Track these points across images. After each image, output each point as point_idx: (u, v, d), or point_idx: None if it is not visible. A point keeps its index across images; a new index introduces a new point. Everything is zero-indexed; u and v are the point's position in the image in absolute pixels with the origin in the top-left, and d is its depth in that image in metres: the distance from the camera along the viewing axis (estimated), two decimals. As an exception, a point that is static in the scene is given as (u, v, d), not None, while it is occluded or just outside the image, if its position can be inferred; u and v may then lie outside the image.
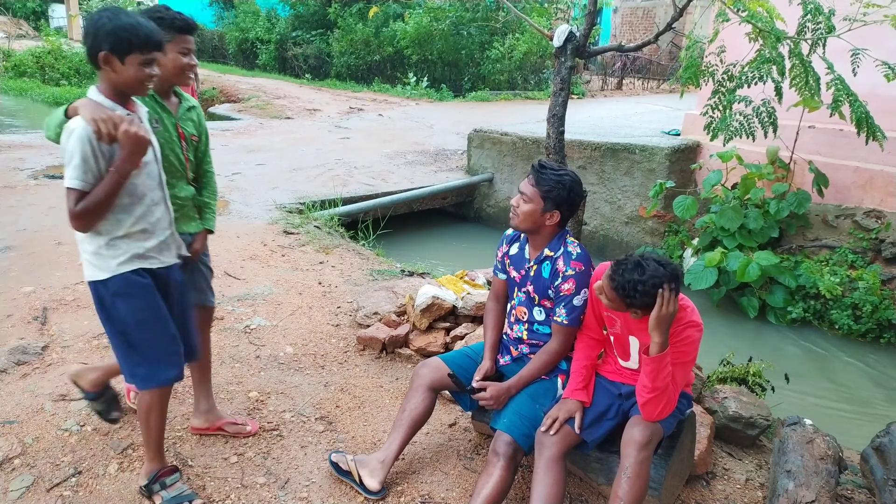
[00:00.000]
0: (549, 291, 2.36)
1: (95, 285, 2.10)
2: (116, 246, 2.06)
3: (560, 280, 2.31)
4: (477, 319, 3.53)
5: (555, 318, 2.35)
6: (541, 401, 2.34)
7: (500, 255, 2.55)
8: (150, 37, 1.93)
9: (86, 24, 1.90)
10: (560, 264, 2.32)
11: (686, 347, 2.08)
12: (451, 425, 2.92)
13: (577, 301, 2.31)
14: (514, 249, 2.51)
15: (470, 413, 2.77)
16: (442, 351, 3.34)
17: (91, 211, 1.95)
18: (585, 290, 2.31)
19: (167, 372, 2.19)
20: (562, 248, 2.35)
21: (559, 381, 2.40)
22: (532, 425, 2.26)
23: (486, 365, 2.47)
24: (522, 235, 2.48)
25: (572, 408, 2.23)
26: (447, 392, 2.73)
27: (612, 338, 2.30)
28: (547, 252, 2.36)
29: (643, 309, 2.01)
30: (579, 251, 2.35)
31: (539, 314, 2.43)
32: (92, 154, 1.91)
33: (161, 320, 2.16)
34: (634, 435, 2.08)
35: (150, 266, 2.13)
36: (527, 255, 2.44)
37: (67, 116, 1.96)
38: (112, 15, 1.89)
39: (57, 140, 2.01)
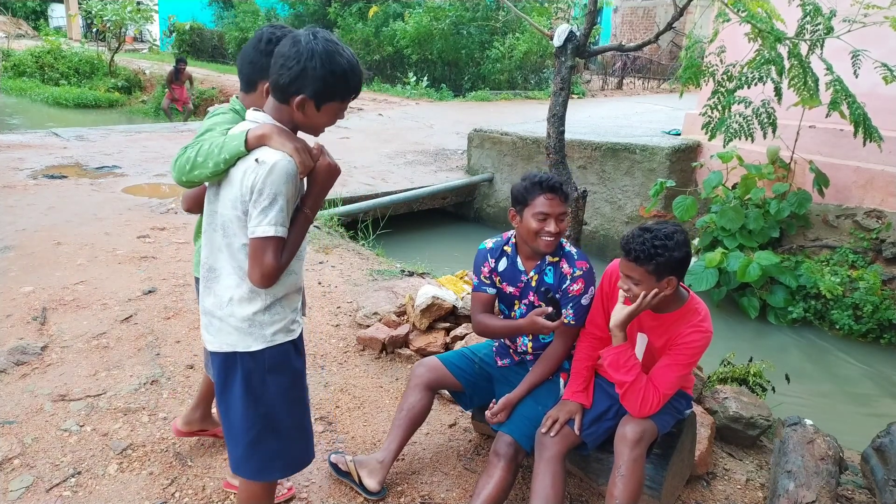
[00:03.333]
0: (557, 295, 2.33)
1: (243, 358, 1.72)
2: (274, 310, 1.72)
3: (569, 281, 2.29)
4: (477, 319, 3.52)
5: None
6: (543, 401, 2.33)
7: (486, 271, 2.42)
8: (357, 87, 1.65)
9: (288, 52, 1.57)
10: (565, 267, 2.31)
11: (687, 350, 2.07)
12: (451, 425, 2.92)
13: (584, 300, 2.30)
14: (501, 264, 2.41)
15: (470, 413, 2.77)
16: (442, 351, 3.33)
17: (287, 264, 1.64)
18: (592, 288, 2.31)
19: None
20: (561, 252, 2.34)
21: (561, 380, 2.40)
22: (534, 426, 2.26)
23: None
24: (510, 248, 2.40)
25: (572, 409, 2.23)
26: (446, 392, 2.73)
27: None
28: (549, 259, 2.33)
29: (657, 268, 1.97)
30: (577, 251, 2.36)
31: None
32: (294, 194, 1.61)
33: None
34: (626, 433, 2.08)
35: (297, 335, 1.81)
36: (521, 268, 2.37)
37: (248, 148, 1.62)
38: (326, 55, 1.56)
39: (206, 179, 1.68)
